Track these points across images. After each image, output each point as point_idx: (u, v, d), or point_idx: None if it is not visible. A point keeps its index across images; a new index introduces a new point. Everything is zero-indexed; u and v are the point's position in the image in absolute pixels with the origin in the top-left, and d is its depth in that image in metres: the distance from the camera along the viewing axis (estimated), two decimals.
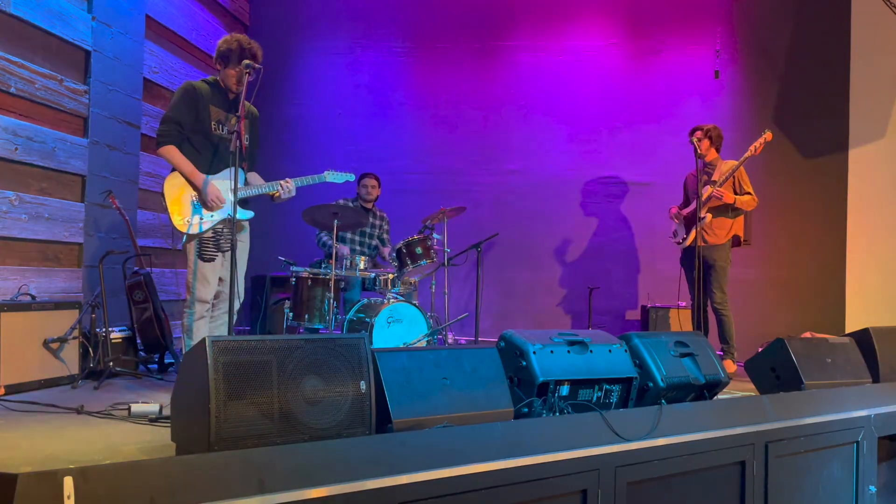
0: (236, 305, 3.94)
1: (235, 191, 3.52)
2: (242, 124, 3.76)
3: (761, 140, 5.14)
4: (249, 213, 4.01)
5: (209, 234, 3.81)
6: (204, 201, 3.81)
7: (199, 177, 3.82)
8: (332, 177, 4.24)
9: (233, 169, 3.83)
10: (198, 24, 6.40)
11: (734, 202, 5.16)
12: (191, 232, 3.78)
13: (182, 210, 3.79)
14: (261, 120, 4.25)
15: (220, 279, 3.92)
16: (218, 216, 3.83)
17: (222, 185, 3.86)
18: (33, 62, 4.47)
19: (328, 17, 7.31)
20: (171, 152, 3.83)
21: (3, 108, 4.27)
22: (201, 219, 3.80)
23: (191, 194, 3.82)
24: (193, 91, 3.88)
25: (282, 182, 3.96)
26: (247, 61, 3.75)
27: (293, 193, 4.00)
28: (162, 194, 3.83)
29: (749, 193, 5.22)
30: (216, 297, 3.93)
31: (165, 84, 5.93)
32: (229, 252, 3.88)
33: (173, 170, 3.85)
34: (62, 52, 4.74)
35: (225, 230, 3.81)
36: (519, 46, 7.10)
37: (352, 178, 4.41)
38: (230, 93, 3.96)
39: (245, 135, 3.90)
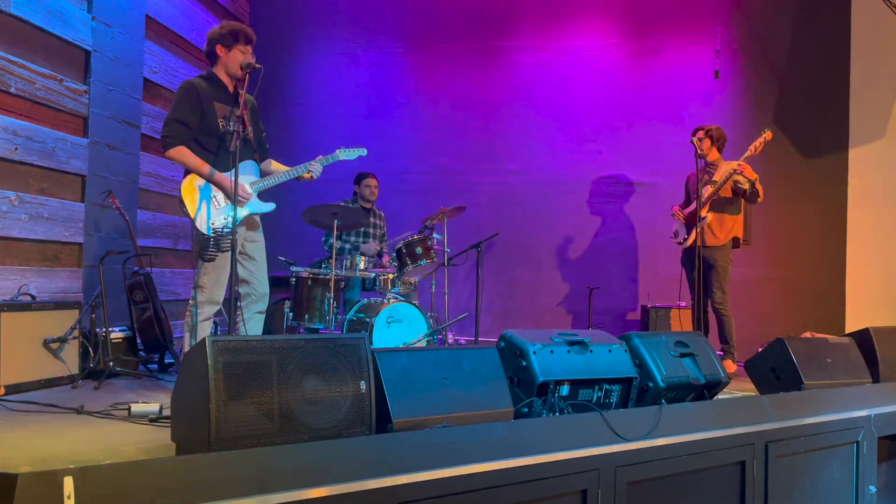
0: (264, 305, 3.96)
1: (235, 191, 3.49)
2: (245, 121, 3.75)
3: (761, 139, 5.13)
4: (270, 206, 3.90)
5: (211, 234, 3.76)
6: (229, 198, 3.68)
7: (224, 177, 3.68)
8: (344, 154, 4.15)
9: (246, 164, 3.84)
10: (198, 23, 6.40)
11: (756, 179, 5.07)
12: (212, 234, 3.66)
13: (207, 211, 3.67)
14: (261, 120, 4.22)
15: (247, 281, 3.88)
16: (239, 214, 3.70)
17: (244, 179, 3.78)
18: (33, 62, 4.46)
19: (328, 17, 7.31)
20: (183, 153, 3.66)
21: (3, 108, 4.27)
22: (226, 218, 3.69)
23: (212, 194, 3.70)
24: (194, 89, 3.71)
25: (311, 166, 3.95)
26: (247, 62, 3.73)
27: (319, 174, 4.00)
28: (180, 198, 3.68)
29: None
30: (245, 297, 3.89)
31: (165, 84, 5.93)
32: (250, 252, 3.88)
33: (187, 171, 3.71)
34: (62, 52, 4.74)
35: (225, 230, 3.71)
36: (519, 46, 7.10)
37: (364, 152, 4.26)
38: (232, 81, 3.84)
39: (249, 127, 3.88)
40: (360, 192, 6.02)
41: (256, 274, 3.92)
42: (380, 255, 6.01)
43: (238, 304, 3.90)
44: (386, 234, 6.20)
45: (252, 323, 3.91)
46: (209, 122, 3.73)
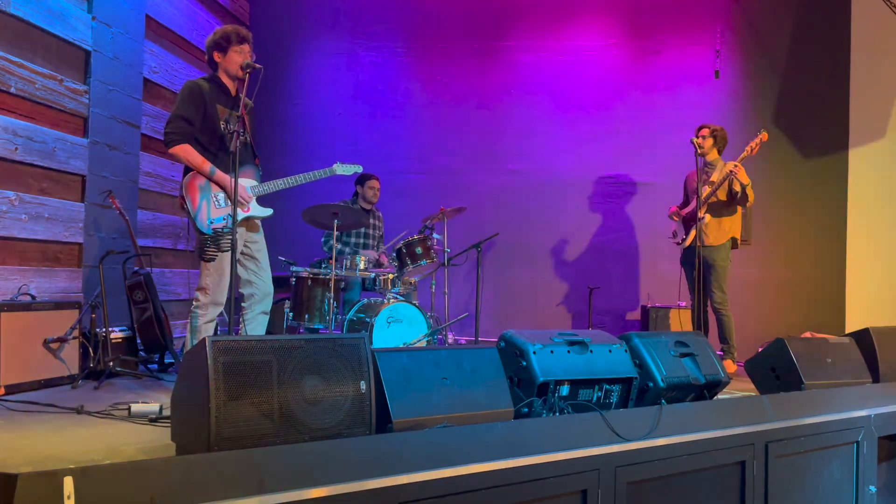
0: (268, 305, 3.96)
1: (235, 190, 3.49)
2: (245, 123, 3.75)
3: (757, 140, 5.13)
4: (268, 211, 3.92)
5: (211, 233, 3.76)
6: (230, 199, 3.67)
7: (225, 176, 3.70)
8: (341, 169, 4.17)
9: (247, 167, 3.84)
10: (198, 23, 6.40)
11: (749, 184, 5.06)
12: (213, 234, 3.67)
13: (207, 210, 3.69)
14: (261, 120, 4.23)
15: (250, 282, 3.89)
16: (238, 215, 3.70)
17: (244, 182, 3.79)
18: (33, 62, 4.47)
19: (328, 17, 7.32)
20: (188, 151, 3.68)
21: (3, 108, 4.27)
22: (226, 217, 3.69)
23: (212, 193, 3.72)
24: (199, 89, 3.75)
25: (313, 175, 3.97)
26: (247, 62, 3.73)
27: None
28: (183, 195, 3.70)
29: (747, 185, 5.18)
30: (249, 298, 3.90)
31: (165, 84, 5.93)
32: (251, 253, 3.88)
33: (188, 170, 3.72)
34: (62, 52, 4.74)
35: (226, 230, 3.71)
36: (519, 46, 7.10)
37: (360, 169, 4.33)
38: (234, 82, 3.86)
39: (249, 130, 3.88)
40: (362, 194, 6.00)
41: (260, 274, 3.93)
42: (377, 264, 5.98)
43: (241, 304, 3.91)
44: (384, 236, 6.19)
45: (255, 324, 3.91)
46: (211, 122, 3.76)
